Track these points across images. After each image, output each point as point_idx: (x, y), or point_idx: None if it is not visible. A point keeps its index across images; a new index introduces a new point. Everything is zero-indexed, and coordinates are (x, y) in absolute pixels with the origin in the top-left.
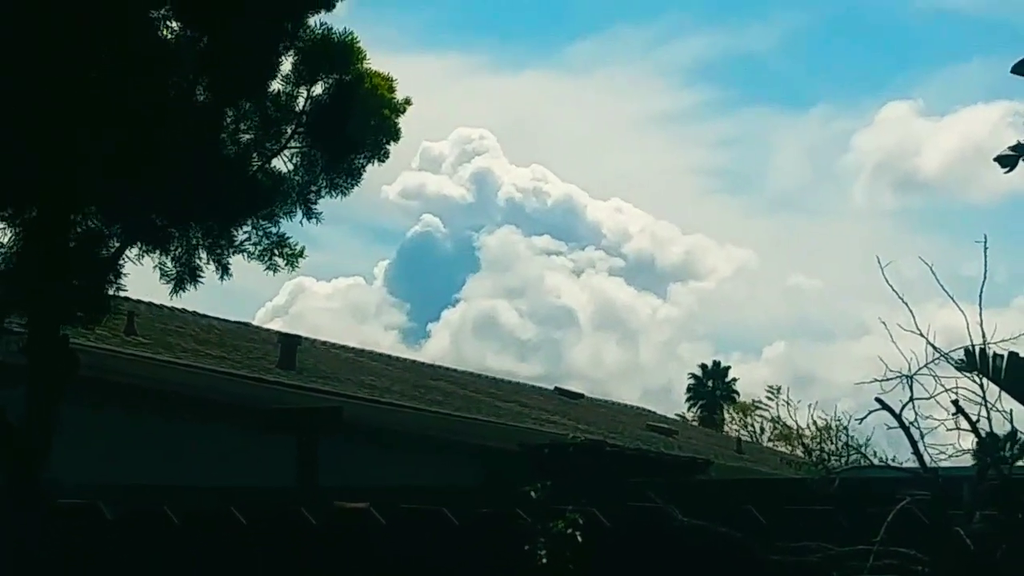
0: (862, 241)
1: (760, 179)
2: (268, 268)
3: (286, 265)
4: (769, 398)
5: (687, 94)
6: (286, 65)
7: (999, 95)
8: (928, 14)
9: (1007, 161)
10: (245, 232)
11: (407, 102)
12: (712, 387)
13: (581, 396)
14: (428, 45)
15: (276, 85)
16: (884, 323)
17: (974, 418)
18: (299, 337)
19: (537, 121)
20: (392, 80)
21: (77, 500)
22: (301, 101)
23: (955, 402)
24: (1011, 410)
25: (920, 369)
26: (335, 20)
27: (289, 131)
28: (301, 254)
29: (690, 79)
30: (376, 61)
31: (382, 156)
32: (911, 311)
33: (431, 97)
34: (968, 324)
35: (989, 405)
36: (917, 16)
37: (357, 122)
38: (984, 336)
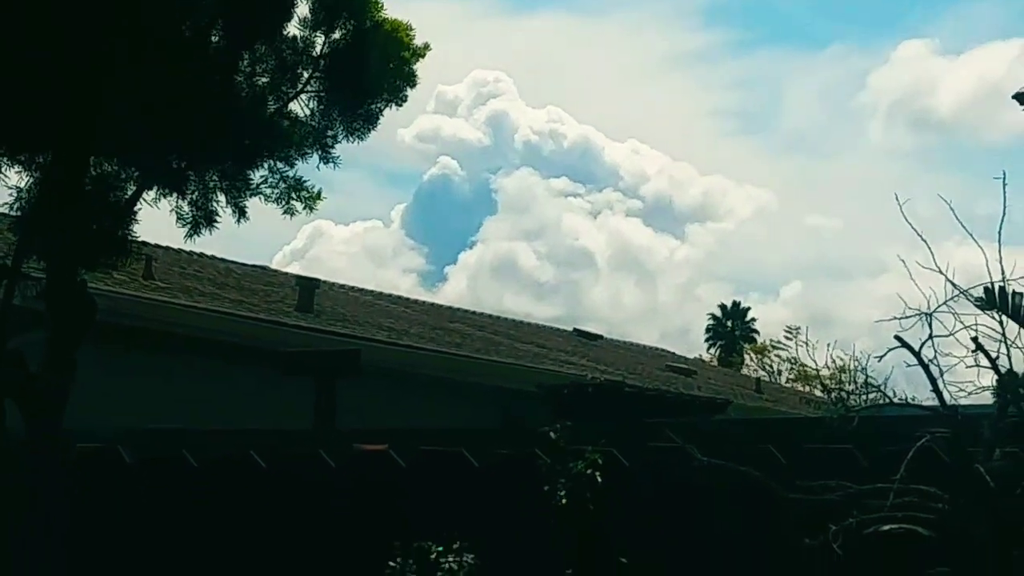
0: (878, 180)
1: (776, 119)
2: (286, 211)
3: (304, 208)
4: (788, 338)
5: (702, 35)
6: (303, 8)
7: (1015, 32)
8: None
9: None
10: (262, 176)
11: (426, 47)
12: (731, 328)
13: (600, 337)
14: None
15: (293, 30)
16: (903, 261)
17: (994, 355)
18: (317, 280)
19: (552, 63)
20: (410, 27)
21: (97, 444)
22: (319, 46)
23: (975, 339)
24: None
25: (939, 307)
26: None
27: (306, 75)
28: (319, 196)
29: (705, 20)
30: (392, 6)
31: (399, 101)
32: (930, 249)
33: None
34: (987, 262)
35: (1009, 342)
36: None
37: (374, 67)
38: (1004, 273)
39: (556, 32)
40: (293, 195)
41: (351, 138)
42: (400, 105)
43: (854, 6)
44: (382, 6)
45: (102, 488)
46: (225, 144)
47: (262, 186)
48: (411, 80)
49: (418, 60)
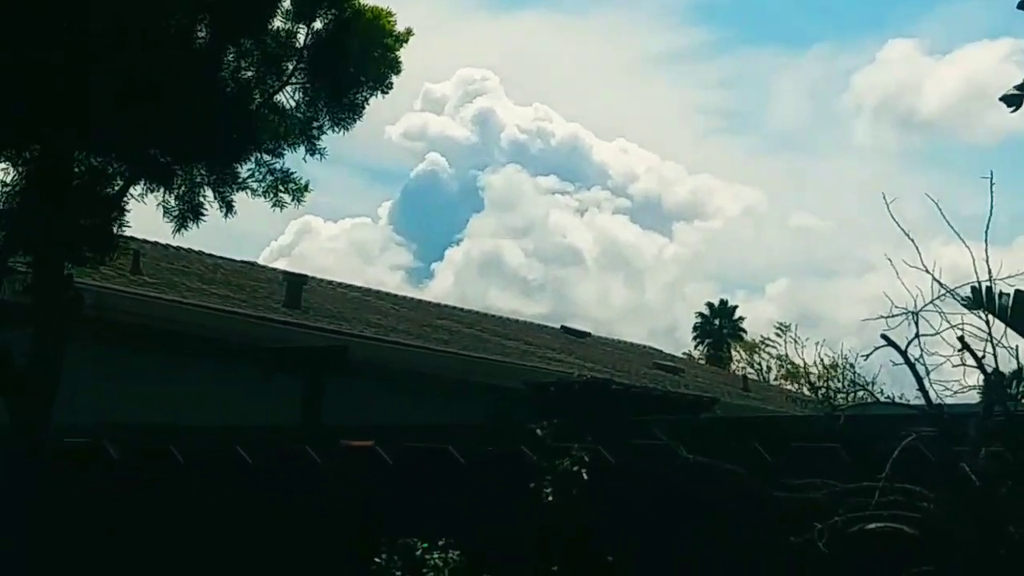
0: (864, 180)
1: (761, 119)
2: (274, 204)
3: (292, 200)
4: (778, 335)
5: (685, 34)
6: (286, 2)
7: (1001, 32)
8: None
9: (1013, 100)
10: (248, 169)
11: (408, 32)
12: (719, 325)
13: (587, 335)
14: None
15: (276, 22)
16: (890, 260)
17: (980, 355)
18: (305, 276)
19: (537, 62)
20: (392, 13)
21: (83, 440)
22: (301, 37)
23: (961, 339)
24: (1017, 347)
25: (926, 306)
26: None
27: (290, 67)
28: (307, 188)
29: (687, 19)
30: (375, 3)
31: (385, 88)
32: (917, 248)
33: (432, 38)
34: (974, 261)
35: (995, 342)
36: None
37: (358, 56)
38: (990, 273)
39: (540, 30)
40: (281, 187)
41: (337, 128)
42: (386, 93)
43: (839, 5)
44: None
45: (89, 483)
46: (211, 138)
47: (249, 180)
48: (395, 67)
49: (401, 46)
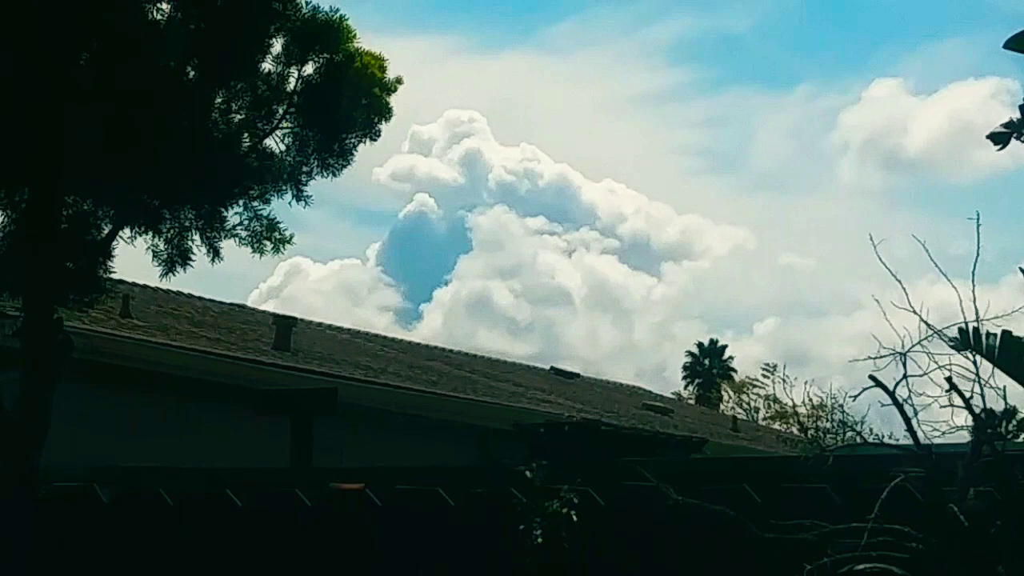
0: (850, 219)
1: (748, 158)
2: (255, 251)
3: (274, 251)
4: (766, 376)
5: (668, 74)
6: (276, 46)
7: (985, 72)
8: None
9: (1000, 139)
10: (236, 213)
11: (398, 81)
12: (709, 365)
13: (577, 375)
14: (407, 27)
15: (267, 65)
16: (877, 301)
17: (967, 395)
18: (294, 319)
19: (523, 102)
20: (383, 59)
21: (73, 483)
22: (292, 81)
23: (949, 379)
24: (1004, 387)
25: (913, 346)
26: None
27: (280, 111)
28: (290, 240)
29: (671, 60)
30: (364, 44)
31: (374, 135)
32: (904, 289)
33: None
34: (961, 301)
35: (983, 382)
36: None
37: (348, 101)
38: (977, 313)
39: (526, 71)
40: (265, 235)
41: (325, 173)
42: (375, 140)
43: (821, 45)
44: (355, 35)
45: (78, 526)
46: (200, 183)
47: (237, 227)
48: (386, 113)
49: (391, 93)
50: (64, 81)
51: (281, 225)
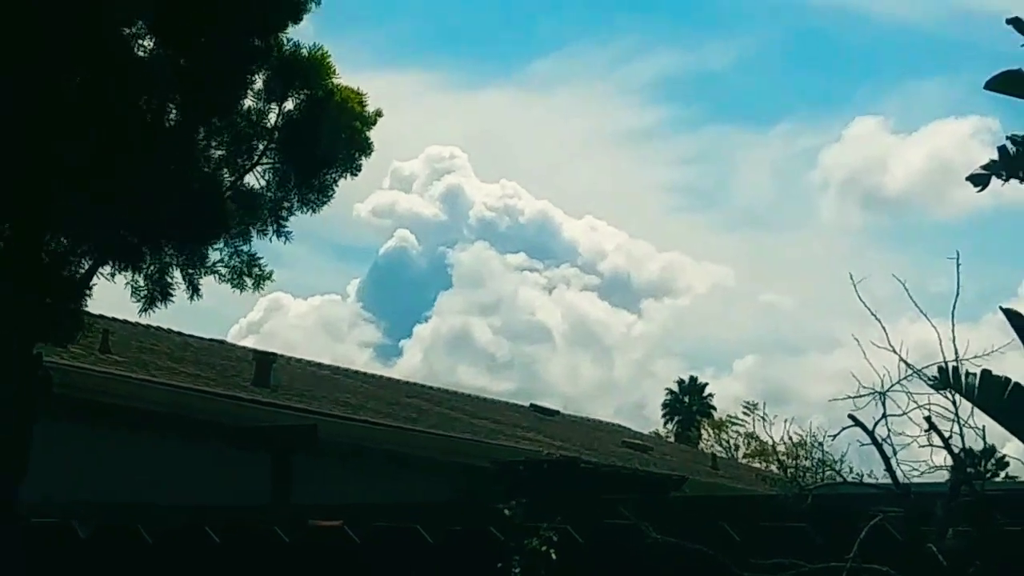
0: (830, 257)
1: (728, 196)
2: (235, 287)
3: (254, 287)
4: (746, 413)
5: (648, 112)
6: (258, 82)
7: (966, 111)
8: (888, 30)
9: (979, 180)
10: (217, 249)
11: (378, 114)
12: (688, 403)
13: (557, 413)
14: (387, 63)
15: (248, 102)
16: (857, 340)
17: (946, 434)
18: (274, 354)
19: (504, 139)
20: (362, 95)
21: (51, 519)
22: (273, 117)
23: (928, 419)
24: (983, 426)
25: (893, 386)
26: (303, 36)
27: (261, 147)
28: (269, 277)
29: (651, 97)
30: (343, 80)
31: (354, 170)
32: (883, 327)
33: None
34: (940, 340)
35: (962, 422)
36: (877, 33)
37: (329, 137)
38: (957, 352)
39: (506, 107)
40: (245, 272)
41: (305, 209)
42: (355, 174)
43: (800, 84)
44: (334, 71)
45: (56, 563)
46: (180, 219)
47: (217, 264)
48: (366, 148)
49: (370, 127)
50: (47, 117)
51: (261, 261)
